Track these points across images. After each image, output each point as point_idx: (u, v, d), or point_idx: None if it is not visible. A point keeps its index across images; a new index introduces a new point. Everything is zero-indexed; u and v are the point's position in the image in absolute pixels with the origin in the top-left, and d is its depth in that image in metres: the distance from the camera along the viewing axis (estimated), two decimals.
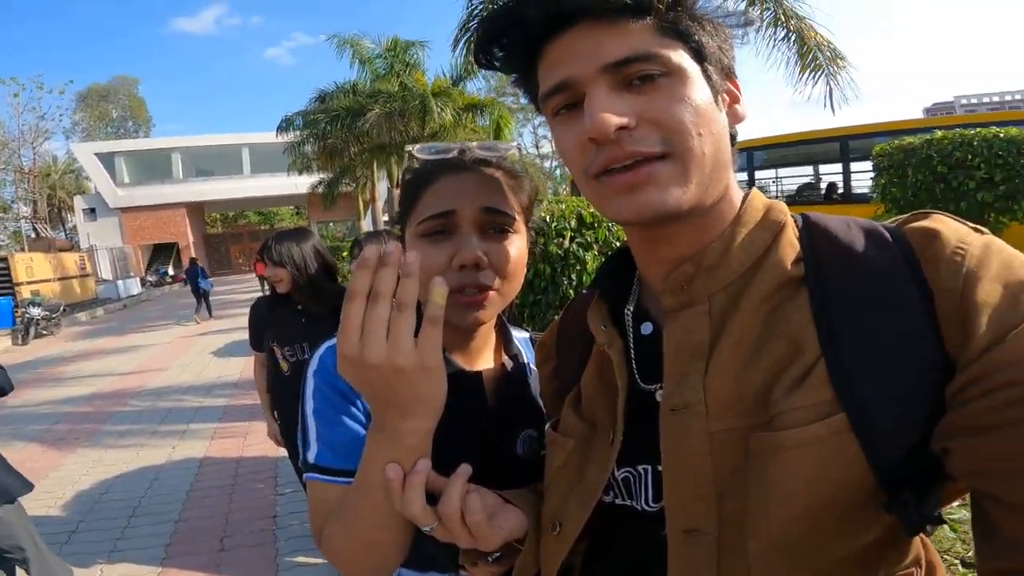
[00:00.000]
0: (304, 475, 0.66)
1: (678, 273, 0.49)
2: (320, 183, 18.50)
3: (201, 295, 12.96)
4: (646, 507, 0.51)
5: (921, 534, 0.44)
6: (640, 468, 0.51)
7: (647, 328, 0.53)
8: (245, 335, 2.59)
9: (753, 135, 8.44)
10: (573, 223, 3.19)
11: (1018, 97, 63.20)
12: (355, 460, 0.58)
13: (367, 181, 18.86)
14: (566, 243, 2.90)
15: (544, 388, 0.70)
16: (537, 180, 0.77)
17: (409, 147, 0.76)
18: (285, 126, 14.91)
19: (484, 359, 0.77)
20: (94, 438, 5.05)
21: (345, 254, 13.97)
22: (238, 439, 4.52)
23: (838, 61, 6.19)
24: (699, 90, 0.46)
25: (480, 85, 13.95)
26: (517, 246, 0.70)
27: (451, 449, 0.59)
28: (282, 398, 2.31)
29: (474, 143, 0.71)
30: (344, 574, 0.66)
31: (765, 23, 6.26)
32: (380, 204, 20.02)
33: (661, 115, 0.45)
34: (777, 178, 8.73)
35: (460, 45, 7.54)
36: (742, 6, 6.30)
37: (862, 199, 7.12)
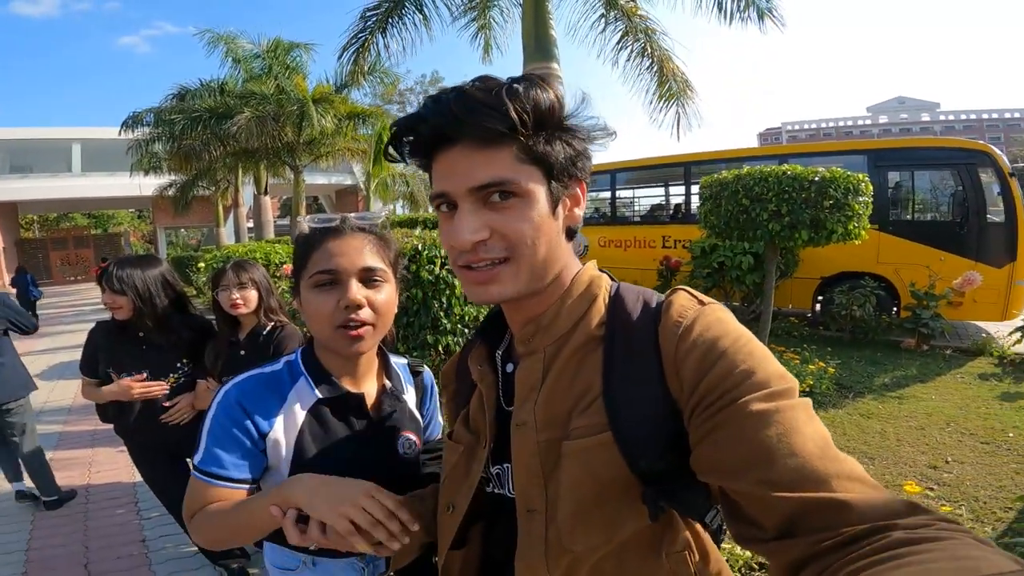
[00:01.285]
0: (191, 471, 0.86)
1: (525, 331, 0.68)
2: (171, 185, 16.83)
3: (31, 306, 11.04)
4: (509, 494, 0.70)
5: (703, 531, 0.66)
6: (505, 465, 0.70)
7: (510, 367, 0.72)
8: (74, 355, 2.43)
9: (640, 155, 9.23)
10: (443, 251, 3.40)
11: (830, 125, 77.74)
12: (227, 470, 0.82)
13: (229, 186, 17.46)
14: (436, 269, 3.12)
15: (446, 406, 0.89)
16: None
17: (300, 218, 1.10)
18: (131, 123, 13.30)
19: (369, 382, 0.98)
20: None
21: (201, 265, 12.75)
22: (82, 467, 4.03)
23: (688, 91, 7.16)
24: (540, 207, 0.61)
25: (365, 92, 13.62)
26: (387, 292, 0.90)
27: (346, 454, 0.89)
28: (128, 425, 2.21)
29: (352, 215, 0.91)
30: (202, 544, 0.88)
31: (634, 53, 7.07)
32: (244, 210, 18.51)
33: (508, 230, 0.60)
34: (635, 198, 9.82)
35: (348, 53, 7.52)
36: (616, 38, 7.06)
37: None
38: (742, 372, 0.54)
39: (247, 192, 18.29)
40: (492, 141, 0.58)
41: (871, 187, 4.53)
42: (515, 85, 0.58)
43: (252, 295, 2.06)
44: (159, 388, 2.14)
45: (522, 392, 0.67)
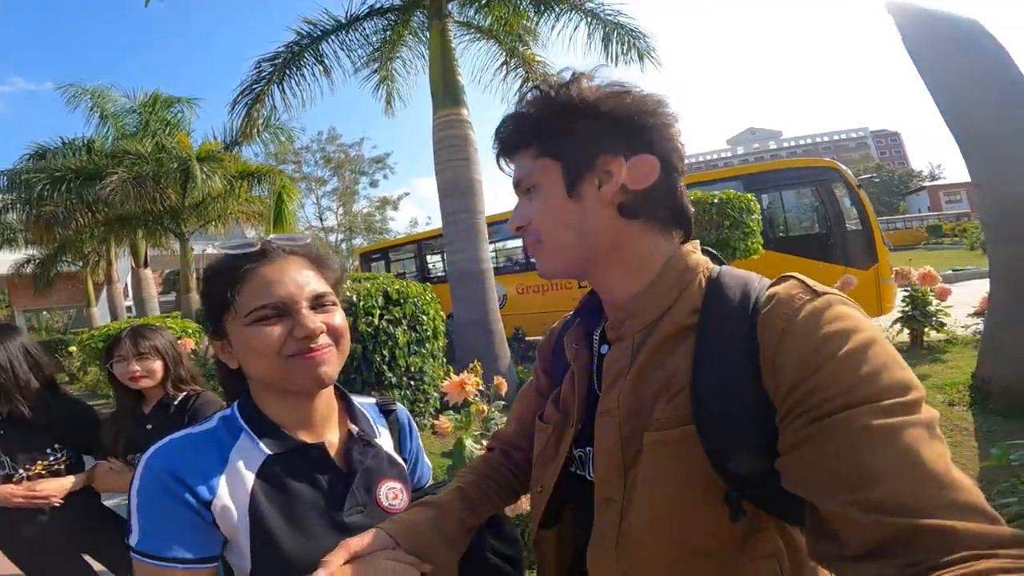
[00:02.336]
0: (131, 554, 0.71)
1: (615, 317, 0.68)
2: (29, 261, 14.87)
3: None
4: (589, 477, 0.69)
5: (801, 538, 0.58)
6: (588, 449, 0.69)
7: (604, 349, 0.70)
8: None
9: None
10: (380, 300, 3.22)
11: (700, 160, 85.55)
12: (174, 551, 0.68)
13: (100, 259, 15.64)
14: (375, 320, 2.96)
15: (537, 381, 0.89)
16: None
17: (212, 247, 0.93)
18: None
19: (330, 430, 0.83)
20: None
21: (72, 349, 11.07)
22: None
23: None
24: (553, 192, 0.66)
25: (257, 150, 12.95)
26: (340, 315, 0.80)
27: (316, 518, 0.74)
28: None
29: (272, 235, 0.81)
30: None
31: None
32: (120, 286, 16.56)
33: (532, 216, 0.68)
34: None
35: (240, 106, 7.17)
36: (518, 84, 7.29)
37: None
38: (859, 377, 0.48)
39: (123, 265, 16.49)
40: (516, 148, 0.70)
41: (758, 206, 4.98)
42: (525, 99, 0.68)
43: (156, 366, 1.80)
44: (51, 490, 1.75)
45: (608, 379, 0.66)
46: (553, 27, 6.99)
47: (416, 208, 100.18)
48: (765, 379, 0.54)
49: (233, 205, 12.55)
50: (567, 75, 0.66)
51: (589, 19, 6.87)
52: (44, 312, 23.47)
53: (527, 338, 9.27)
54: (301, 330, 0.72)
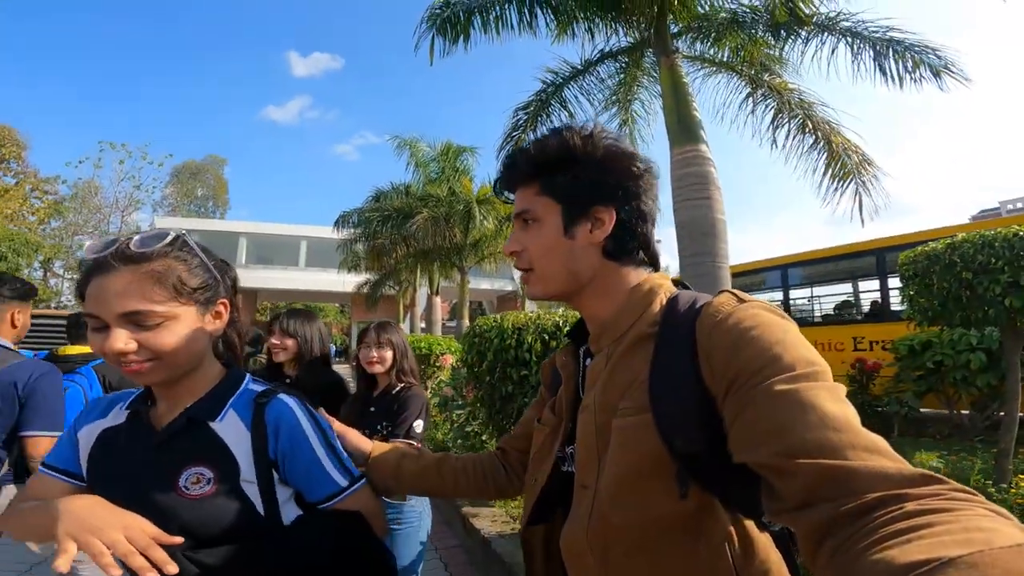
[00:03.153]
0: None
1: (595, 333, 0.80)
2: (365, 283, 19.16)
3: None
4: (573, 470, 0.76)
5: (755, 530, 0.67)
6: (575, 446, 0.76)
7: (588, 361, 0.81)
8: None
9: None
10: (536, 330, 3.16)
11: None
12: (51, 461, 0.90)
13: (409, 286, 19.48)
14: (537, 346, 3.03)
15: (541, 392, 0.99)
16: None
17: (465, 320, 1.30)
18: (341, 222, 15.84)
19: (178, 409, 0.88)
20: None
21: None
22: None
23: (866, 166, 6.00)
24: (551, 228, 0.76)
25: None
26: (171, 330, 0.80)
27: (122, 484, 0.81)
28: None
29: (134, 236, 0.82)
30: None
31: (792, 131, 6.31)
32: (419, 309, 20.35)
33: (527, 244, 0.79)
34: (813, 296, 8.34)
35: (503, 152, 7.83)
36: (769, 116, 6.45)
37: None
38: (770, 356, 0.57)
39: (422, 293, 20.26)
40: (521, 183, 0.81)
41: None
42: (536, 141, 0.79)
43: (388, 355, 2.17)
44: None
45: (589, 382, 0.78)
46: (803, 52, 6.02)
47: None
48: (703, 371, 0.64)
49: (501, 244, 14.20)
50: (589, 126, 0.77)
51: (849, 39, 5.68)
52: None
53: None
54: (107, 348, 0.75)
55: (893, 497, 0.43)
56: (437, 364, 7.82)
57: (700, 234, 5.15)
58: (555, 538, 0.79)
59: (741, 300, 0.66)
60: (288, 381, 2.26)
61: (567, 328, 3.12)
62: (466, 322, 14.83)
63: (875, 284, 7.05)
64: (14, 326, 1.97)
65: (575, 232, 0.75)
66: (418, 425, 2.01)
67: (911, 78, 5.64)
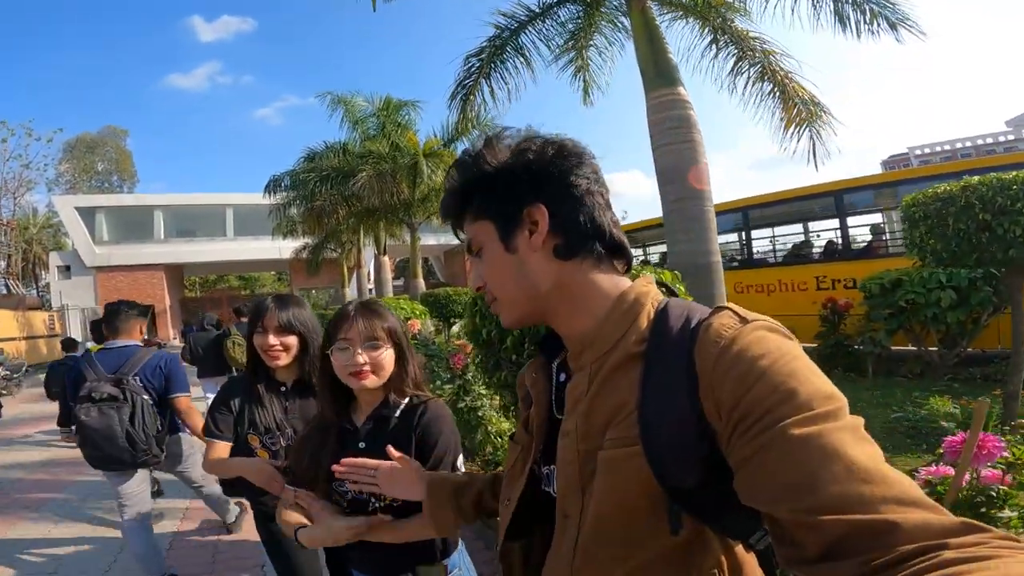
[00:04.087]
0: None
1: (574, 349, 0.73)
2: (304, 248, 18.14)
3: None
4: (553, 493, 0.73)
5: (743, 553, 0.66)
6: (553, 467, 0.74)
7: (562, 377, 0.77)
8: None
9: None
10: None
11: (968, 145, 67.05)
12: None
13: (352, 247, 18.66)
14: None
15: (522, 411, 0.91)
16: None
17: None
18: (273, 186, 14.68)
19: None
20: (43, 510, 4.27)
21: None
22: (216, 520, 3.65)
23: (821, 114, 6.11)
24: (492, 250, 0.73)
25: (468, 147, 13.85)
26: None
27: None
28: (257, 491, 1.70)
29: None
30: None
31: (751, 78, 6.31)
32: (365, 270, 19.61)
33: (485, 276, 0.75)
34: (774, 236, 8.56)
35: (456, 100, 7.51)
36: (730, 63, 6.37)
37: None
38: (782, 393, 0.52)
39: (368, 253, 19.45)
40: (459, 217, 0.77)
41: None
42: (449, 175, 0.77)
43: (292, 340, 1.75)
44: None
45: (569, 404, 0.71)
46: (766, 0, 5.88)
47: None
48: (704, 402, 0.58)
49: None
50: (480, 142, 0.74)
51: None
52: (312, 291, 29.31)
53: None
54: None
55: (932, 547, 0.41)
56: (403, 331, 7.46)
57: (683, 178, 5.05)
58: (533, 553, 0.81)
59: (743, 320, 0.61)
60: (284, 389, 1.74)
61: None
62: (420, 281, 14.41)
63: (835, 224, 7.25)
64: (141, 333, 3.04)
65: (516, 244, 0.71)
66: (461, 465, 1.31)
67: (870, 30, 5.62)
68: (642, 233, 10.17)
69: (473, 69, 7.20)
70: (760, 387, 0.53)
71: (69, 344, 7.61)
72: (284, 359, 1.69)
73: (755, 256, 8.21)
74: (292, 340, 1.70)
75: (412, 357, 1.32)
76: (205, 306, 29.54)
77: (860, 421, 0.51)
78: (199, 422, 2.58)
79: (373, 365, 1.21)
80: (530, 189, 0.70)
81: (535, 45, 7.11)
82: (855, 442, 0.48)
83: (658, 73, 5.31)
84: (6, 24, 58.48)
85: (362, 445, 1.23)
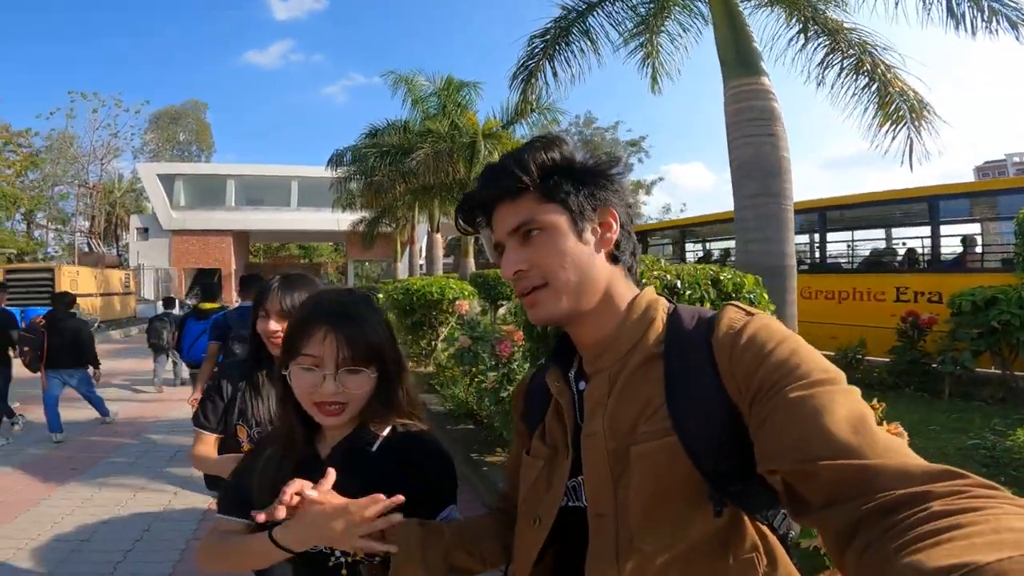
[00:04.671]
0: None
1: (590, 353, 0.76)
2: (361, 221, 18.57)
3: None
4: (583, 504, 0.73)
5: (771, 535, 0.68)
6: (580, 478, 0.74)
7: (582, 385, 0.78)
8: None
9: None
10: (711, 291, 2.76)
11: None
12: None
13: (407, 223, 18.92)
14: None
15: (517, 426, 0.94)
16: None
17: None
18: (335, 160, 15.08)
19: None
20: (90, 472, 4.49)
21: (380, 296, 13.65)
22: None
23: (924, 113, 5.56)
24: (563, 236, 0.72)
25: (526, 132, 13.66)
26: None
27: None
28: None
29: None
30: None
31: (844, 72, 5.83)
32: (418, 247, 19.88)
33: (538, 259, 0.72)
34: (852, 241, 7.94)
35: (517, 81, 7.39)
36: (820, 55, 5.93)
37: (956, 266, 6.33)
38: (787, 368, 0.59)
39: (421, 230, 19.68)
40: (516, 194, 0.73)
41: None
42: (528, 150, 0.73)
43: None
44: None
45: (591, 406, 0.73)
46: None
47: (666, 195, 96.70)
48: (727, 385, 0.64)
49: None
50: (565, 135, 0.79)
51: None
52: (367, 263, 30.13)
53: None
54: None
55: (918, 495, 0.43)
56: (450, 310, 7.44)
57: (763, 173, 4.76)
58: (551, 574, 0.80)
59: (750, 314, 0.68)
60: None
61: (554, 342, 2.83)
62: (470, 260, 14.47)
63: (924, 232, 6.66)
64: None
65: (586, 238, 0.73)
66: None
67: (987, 28, 5.08)
68: (704, 228, 9.72)
69: (537, 50, 7.03)
70: (769, 364, 0.60)
71: (168, 302, 8.92)
72: None
73: (828, 260, 7.67)
74: None
75: (405, 378, 1.01)
76: (267, 272, 31.01)
77: (854, 390, 0.57)
78: None
79: (348, 396, 0.90)
80: (611, 193, 0.75)
81: (603, 28, 6.85)
82: (846, 401, 0.54)
83: (739, 61, 4.98)
84: (93, 11, 62.07)
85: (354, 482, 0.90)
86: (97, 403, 5.96)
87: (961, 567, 0.34)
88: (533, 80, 7.25)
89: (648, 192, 33.29)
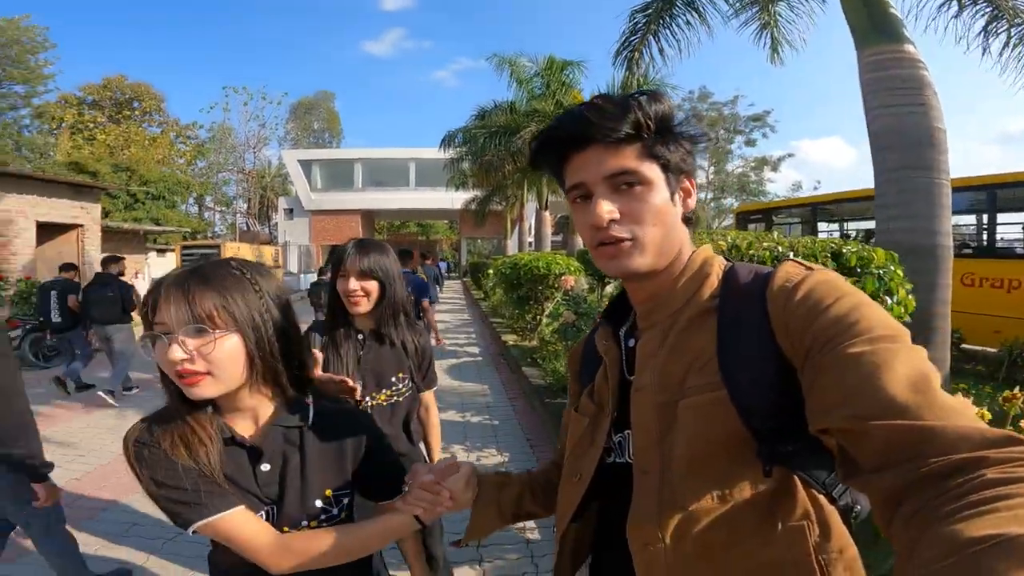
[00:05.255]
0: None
1: (645, 308, 0.77)
2: (473, 200, 19.18)
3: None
4: (629, 460, 0.74)
5: (828, 505, 0.64)
6: (626, 432, 0.75)
7: (632, 342, 0.79)
8: None
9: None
10: (830, 263, 2.56)
11: None
12: None
13: (516, 201, 19.17)
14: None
15: (571, 386, 0.96)
16: None
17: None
18: (448, 141, 15.66)
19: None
20: None
21: (490, 271, 14.06)
22: None
23: None
24: (661, 194, 0.72)
25: None
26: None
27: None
28: None
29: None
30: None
31: (1012, 42, 5.00)
32: (527, 224, 20.13)
33: (634, 211, 0.70)
34: None
35: (620, 58, 7.15)
36: (979, 23, 5.08)
37: None
38: (846, 323, 0.55)
39: (529, 208, 19.85)
40: (621, 141, 0.70)
41: None
42: (638, 97, 0.70)
43: (372, 286, 1.69)
44: None
45: (642, 360, 0.74)
46: None
47: (795, 172, 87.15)
48: (780, 341, 0.62)
49: None
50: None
51: None
52: (478, 240, 31.15)
53: (964, 345, 6.36)
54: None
55: (973, 461, 0.41)
56: (555, 285, 7.48)
57: (907, 144, 4.18)
58: (585, 533, 0.83)
59: (810, 268, 0.65)
60: (361, 338, 1.72)
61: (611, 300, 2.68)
62: (578, 238, 14.35)
63: None
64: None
65: (675, 199, 0.73)
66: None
67: None
68: (840, 206, 8.66)
69: (639, 25, 6.75)
70: (826, 318, 0.57)
71: (322, 271, 10.08)
72: (365, 305, 1.66)
73: (998, 245, 6.44)
74: (373, 285, 1.66)
75: (298, 339, 0.95)
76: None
77: (922, 349, 0.52)
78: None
79: (205, 363, 0.80)
80: (693, 160, 0.76)
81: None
82: (908, 359, 0.50)
83: (874, 27, 4.35)
84: (221, 11, 70.03)
85: (266, 467, 0.91)
86: None
87: (992, 538, 0.33)
88: (637, 56, 6.97)
89: (775, 169, 30.47)
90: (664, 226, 0.71)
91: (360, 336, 1.73)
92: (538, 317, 7.96)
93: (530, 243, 20.38)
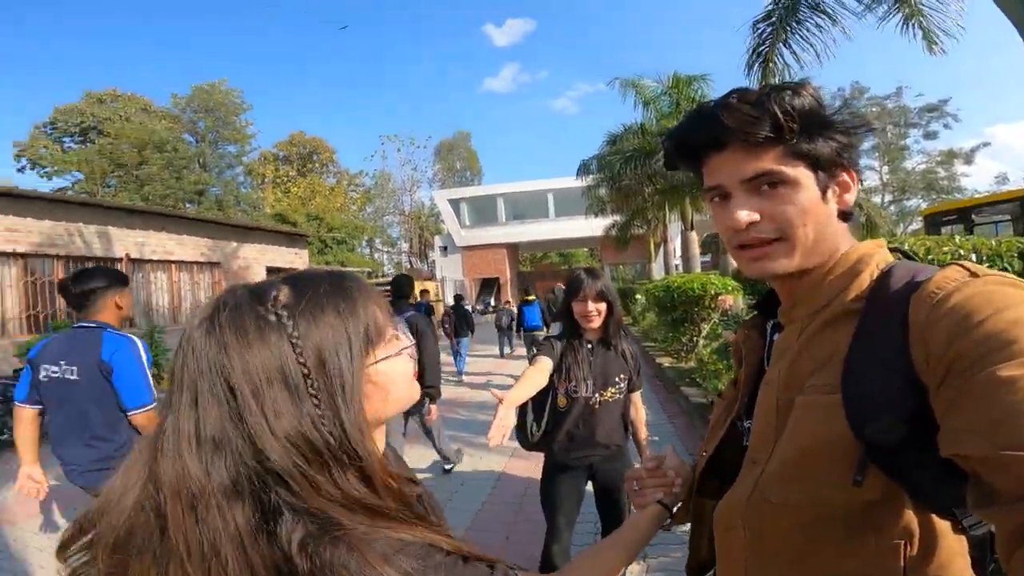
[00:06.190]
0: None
1: (788, 304, 0.75)
2: (613, 226, 19.10)
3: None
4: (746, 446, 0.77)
5: (948, 530, 0.61)
6: (753, 420, 0.76)
7: (776, 336, 0.79)
8: None
9: None
10: (1016, 264, 2.47)
11: None
12: None
13: (658, 223, 18.74)
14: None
15: (736, 371, 0.93)
16: None
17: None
18: (583, 169, 16.00)
19: None
20: (423, 440, 4.54)
21: (639, 296, 13.85)
22: (531, 461, 3.78)
23: None
24: (808, 193, 0.67)
25: None
26: None
27: None
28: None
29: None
30: None
31: None
32: (672, 246, 19.52)
33: (776, 212, 0.68)
34: None
35: (754, 71, 7.02)
36: None
37: None
38: (1003, 339, 0.49)
39: (673, 229, 19.28)
40: (759, 144, 0.66)
41: None
42: (775, 95, 0.66)
43: (603, 307, 2.09)
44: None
45: (776, 355, 0.74)
46: None
47: (994, 162, 70.75)
48: (915, 354, 0.56)
49: None
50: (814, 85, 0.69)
51: None
52: (620, 265, 30.83)
53: None
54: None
55: None
56: (711, 306, 7.31)
57: None
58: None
59: (974, 274, 0.57)
60: (590, 347, 2.12)
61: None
62: (730, 256, 13.56)
63: None
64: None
65: (827, 197, 0.69)
66: None
67: None
68: None
69: (765, 35, 6.62)
70: (977, 334, 0.50)
71: (458, 298, 11.79)
72: (597, 321, 2.08)
73: None
74: (603, 306, 2.08)
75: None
76: (533, 280, 34.65)
77: None
78: None
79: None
80: (852, 153, 0.71)
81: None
82: None
83: None
84: (357, 63, 77.84)
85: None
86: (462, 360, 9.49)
87: None
88: (770, 65, 6.83)
89: (968, 161, 25.51)
90: (815, 226, 0.68)
91: (589, 345, 2.14)
92: (694, 338, 7.81)
93: (677, 265, 19.71)
